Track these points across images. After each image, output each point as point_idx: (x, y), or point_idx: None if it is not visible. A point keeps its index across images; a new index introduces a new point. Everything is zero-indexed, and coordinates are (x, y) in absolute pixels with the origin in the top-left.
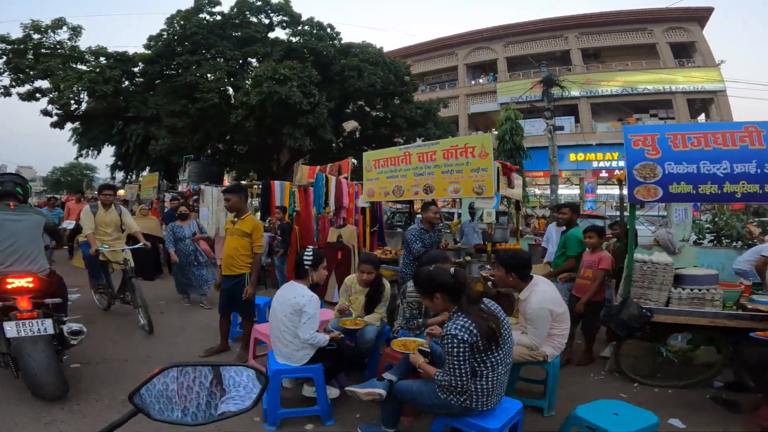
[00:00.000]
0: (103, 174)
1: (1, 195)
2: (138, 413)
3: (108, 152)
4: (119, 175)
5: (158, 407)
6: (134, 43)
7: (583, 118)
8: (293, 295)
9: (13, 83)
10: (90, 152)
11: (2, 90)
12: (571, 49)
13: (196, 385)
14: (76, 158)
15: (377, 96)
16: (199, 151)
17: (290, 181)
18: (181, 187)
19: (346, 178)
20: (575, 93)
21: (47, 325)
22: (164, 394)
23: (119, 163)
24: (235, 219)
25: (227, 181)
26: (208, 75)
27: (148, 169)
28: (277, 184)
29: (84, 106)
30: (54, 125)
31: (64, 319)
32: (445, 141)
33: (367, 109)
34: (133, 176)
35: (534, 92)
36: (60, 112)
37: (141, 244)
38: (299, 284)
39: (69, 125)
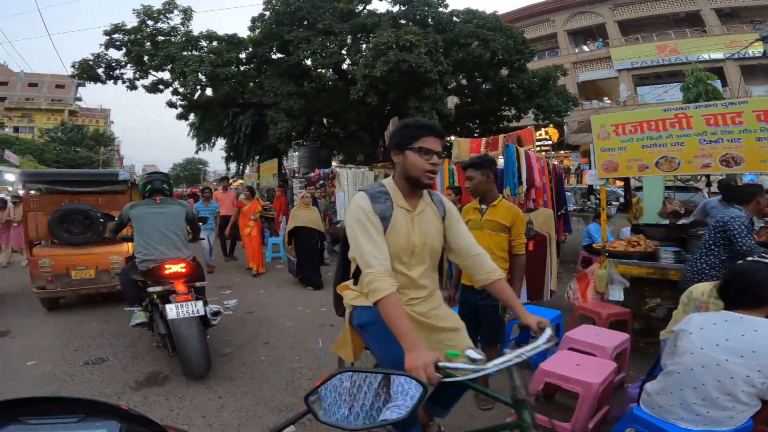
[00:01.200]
0: (214, 167)
1: (152, 192)
2: (308, 413)
3: (219, 145)
4: (232, 165)
5: (326, 408)
6: (233, 27)
7: (731, 81)
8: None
9: (137, 75)
10: (205, 146)
11: (128, 83)
12: (701, 9)
13: (365, 385)
14: (196, 152)
15: (499, 65)
16: (302, 136)
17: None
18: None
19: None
20: (719, 56)
21: (199, 307)
22: (335, 393)
23: (231, 154)
24: (483, 206)
25: (335, 164)
26: (320, 51)
27: (257, 158)
28: None
29: (206, 93)
30: (179, 117)
31: (207, 301)
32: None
33: (479, 80)
34: (244, 167)
35: (664, 56)
36: (183, 102)
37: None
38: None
39: (186, 122)
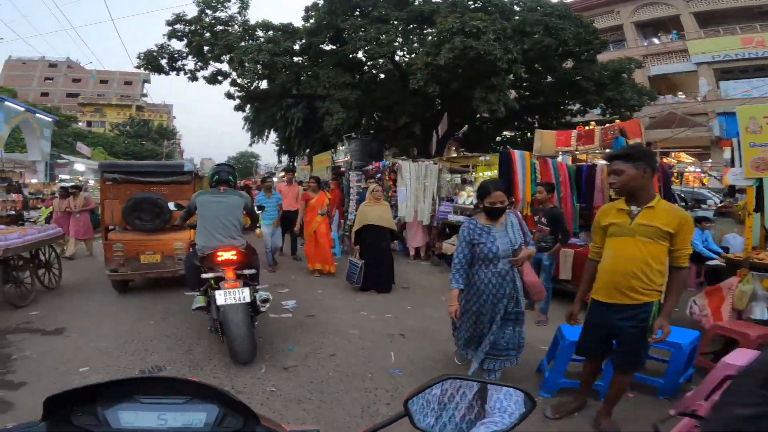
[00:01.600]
0: (265, 160)
1: (218, 182)
2: (405, 416)
3: (271, 139)
4: (284, 158)
5: (422, 414)
6: (288, 17)
7: None
8: None
9: (198, 66)
10: (259, 138)
11: (189, 74)
12: None
13: (458, 395)
14: (250, 144)
15: (565, 56)
16: (352, 129)
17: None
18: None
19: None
20: None
21: (245, 294)
22: (423, 399)
23: (283, 147)
24: (632, 208)
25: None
26: (375, 41)
27: (307, 151)
28: (517, 154)
29: (261, 85)
30: (236, 108)
31: (257, 287)
32: None
33: (542, 71)
34: (294, 159)
35: (750, 49)
36: (241, 94)
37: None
38: None
39: (243, 113)
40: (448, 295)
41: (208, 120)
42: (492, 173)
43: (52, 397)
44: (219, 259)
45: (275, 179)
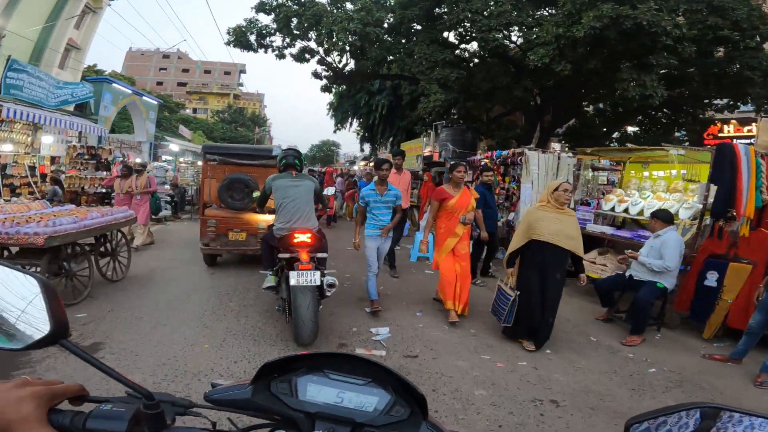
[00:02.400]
0: (345, 148)
1: (286, 166)
2: None
3: (354, 128)
4: (366, 147)
5: None
6: None
7: None
8: None
9: (286, 43)
10: (342, 125)
11: (277, 51)
12: None
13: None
14: (334, 131)
15: (721, 42)
16: (442, 117)
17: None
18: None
19: None
20: None
21: (316, 277)
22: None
23: (365, 134)
24: None
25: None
26: (487, 10)
27: (390, 140)
28: (741, 148)
29: (351, 65)
30: (324, 89)
31: (325, 272)
32: None
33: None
34: (376, 148)
35: None
36: (328, 73)
37: None
38: None
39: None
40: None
41: (295, 110)
42: (648, 173)
43: (266, 364)
44: (295, 240)
45: (356, 167)
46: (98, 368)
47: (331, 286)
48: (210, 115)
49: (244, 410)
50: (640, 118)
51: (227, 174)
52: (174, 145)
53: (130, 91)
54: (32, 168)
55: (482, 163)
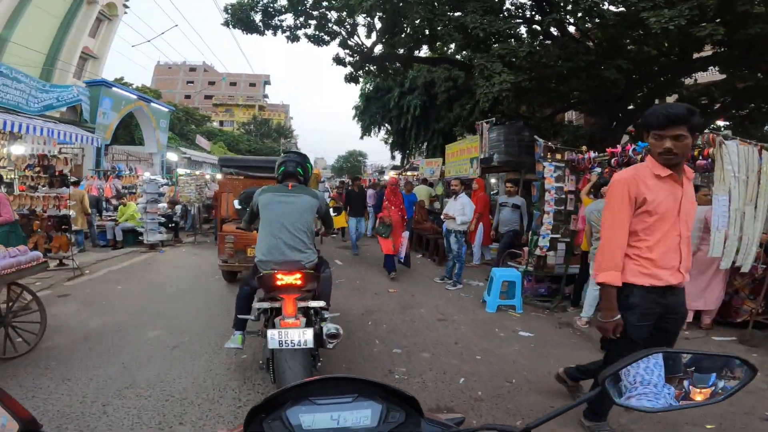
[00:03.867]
0: (372, 158)
1: (285, 176)
2: (600, 392)
3: (379, 137)
4: (397, 155)
5: (618, 389)
6: None
7: None
8: None
9: (299, 23)
10: (370, 130)
11: (288, 33)
12: None
13: (659, 369)
14: (361, 137)
15: None
16: (485, 115)
17: None
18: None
19: None
20: None
21: (308, 337)
22: (628, 375)
23: (396, 140)
24: None
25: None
26: None
27: (425, 144)
28: None
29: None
30: (348, 79)
31: (326, 316)
32: None
33: None
34: (409, 155)
35: None
36: (353, 58)
37: None
38: None
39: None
40: None
41: (321, 121)
42: None
43: (252, 410)
44: (278, 283)
45: (386, 177)
46: None
47: (333, 336)
48: (236, 127)
49: None
50: (734, 111)
51: (245, 188)
52: (172, 155)
53: (134, 97)
54: (9, 185)
55: (593, 166)
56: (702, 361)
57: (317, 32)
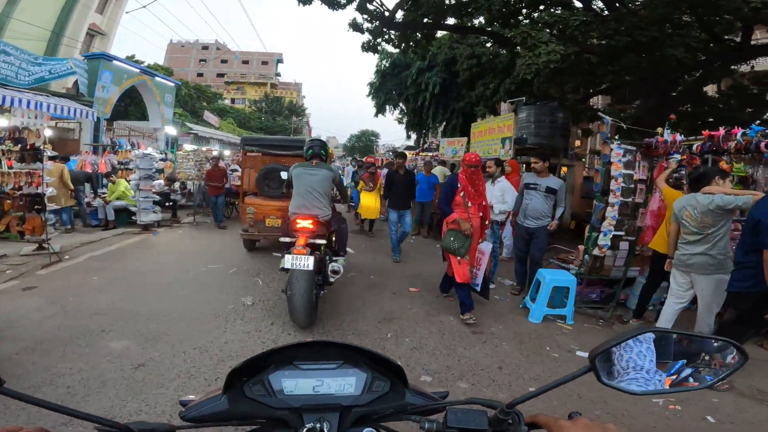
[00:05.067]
0: (385, 138)
1: (312, 156)
2: (590, 371)
3: (393, 116)
4: (413, 135)
5: (609, 370)
6: None
7: None
8: None
9: None
10: (385, 109)
11: None
12: None
13: (651, 350)
14: (375, 115)
15: None
16: (512, 95)
17: None
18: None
19: None
20: None
21: (310, 262)
22: (618, 354)
23: (413, 119)
24: None
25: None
26: None
27: (443, 124)
28: None
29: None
30: (366, 47)
31: (335, 258)
32: None
33: None
34: (426, 134)
35: None
36: (372, 24)
37: None
38: None
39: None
40: None
41: (334, 100)
42: None
43: (232, 371)
44: (297, 226)
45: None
46: (54, 409)
47: (335, 272)
48: (248, 105)
49: (227, 422)
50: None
51: (265, 164)
52: (171, 129)
53: (137, 70)
54: None
55: (673, 152)
56: (694, 344)
57: None
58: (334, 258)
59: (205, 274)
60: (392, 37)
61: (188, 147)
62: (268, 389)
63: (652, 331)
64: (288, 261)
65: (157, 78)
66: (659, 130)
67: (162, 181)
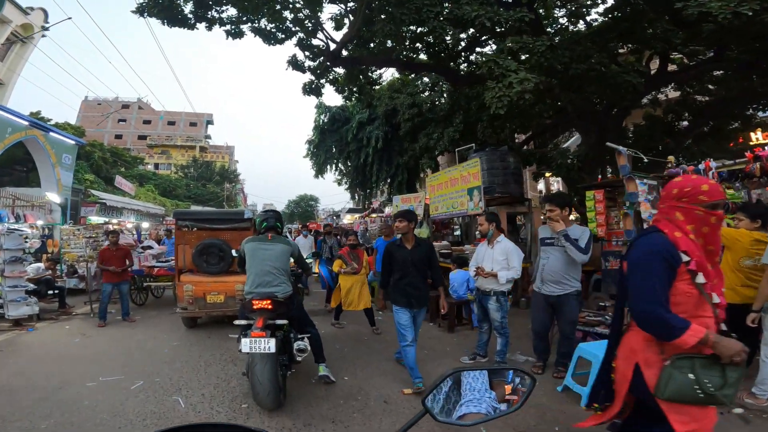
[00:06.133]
0: (324, 201)
1: (266, 229)
2: (426, 414)
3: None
4: (357, 197)
5: (441, 408)
6: None
7: None
8: None
9: (243, 15)
10: (325, 168)
11: (231, 27)
12: None
13: (477, 384)
14: (315, 176)
15: None
16: (456, 143)
17: None
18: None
19: None
20: None
21: (271, 344)
22: (446, 395)
23: (356, 178)
24: None
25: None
26: None
27: (388, 182)
28: None
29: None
30: (307, 90)
31: (299, 336)
32: None
33: None
34: (369, 194)
35: None
36: (313, 62)
37: None
38: None
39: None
40: None
41: (270, 164)
42: None
43: None
44: (254, 307)
45: (345, 222)
46: None
47: (301, 351)
48: (174, 170)
49: None
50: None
51: (201, 239)
52: (54, 196)
53: (25, 123)
54: None
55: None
56: (499, 375)
57: (269, 25)
58: (300, 336)
59: (91, 393)
60: (337, 77)
61: (95, 219)
62: None
63: (452, 373)
64: (246, 345)
65: (52, 134)
66: (670, 159)
67: (42, 265)
